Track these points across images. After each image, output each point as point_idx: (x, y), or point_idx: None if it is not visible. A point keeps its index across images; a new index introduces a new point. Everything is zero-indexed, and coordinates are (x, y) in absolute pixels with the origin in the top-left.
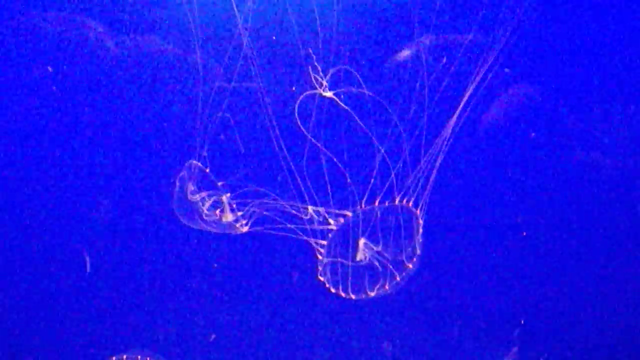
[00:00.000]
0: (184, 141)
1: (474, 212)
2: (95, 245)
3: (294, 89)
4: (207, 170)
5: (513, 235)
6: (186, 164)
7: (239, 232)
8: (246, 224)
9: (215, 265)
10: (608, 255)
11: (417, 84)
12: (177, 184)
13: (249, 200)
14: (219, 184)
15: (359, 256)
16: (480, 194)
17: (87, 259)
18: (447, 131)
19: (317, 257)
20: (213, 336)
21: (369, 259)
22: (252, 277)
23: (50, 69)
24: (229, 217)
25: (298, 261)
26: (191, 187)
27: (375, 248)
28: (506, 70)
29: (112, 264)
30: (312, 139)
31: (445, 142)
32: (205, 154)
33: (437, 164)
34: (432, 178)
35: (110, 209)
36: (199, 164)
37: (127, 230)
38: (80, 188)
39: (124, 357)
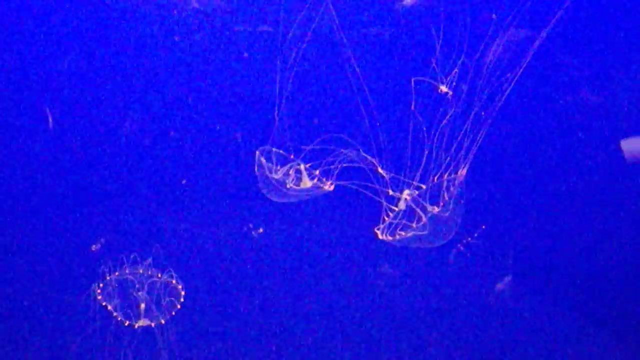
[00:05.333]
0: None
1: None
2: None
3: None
4: (292, 156)
5: (516, 170)
6: (260, 149)
7: (324, 192)
8: (330, 184)
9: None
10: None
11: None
12: (256, 170)
13: (331, 159)
14: (305, 165)
15: (401, 205)
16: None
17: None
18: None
19: (384, 219)
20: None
21: (408, 205)
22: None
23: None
24: (307, 183)
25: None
26: (266, 164)
27: (415, 196)
28: None
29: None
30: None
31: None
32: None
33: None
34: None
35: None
36: (271, 148)
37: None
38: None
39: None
